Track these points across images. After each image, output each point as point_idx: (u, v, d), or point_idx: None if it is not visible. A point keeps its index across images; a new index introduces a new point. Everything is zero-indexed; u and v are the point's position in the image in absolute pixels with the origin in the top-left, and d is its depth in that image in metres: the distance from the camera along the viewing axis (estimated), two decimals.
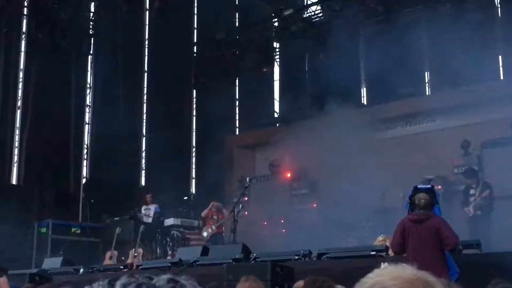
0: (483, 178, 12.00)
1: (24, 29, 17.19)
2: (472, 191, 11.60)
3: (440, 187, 12.22)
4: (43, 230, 15.57)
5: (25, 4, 17.03)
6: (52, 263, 12.72)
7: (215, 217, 14.35)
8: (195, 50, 20.42)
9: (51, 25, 16.47)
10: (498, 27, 15.53)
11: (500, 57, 15.90)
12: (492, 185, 12.02)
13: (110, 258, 13.45)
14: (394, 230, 7.59)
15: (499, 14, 15.94)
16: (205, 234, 14.32)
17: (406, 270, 1.36)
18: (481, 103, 14.36)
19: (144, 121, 19.50)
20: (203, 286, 0.93)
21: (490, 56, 14.79)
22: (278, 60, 20.09)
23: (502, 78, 15.79)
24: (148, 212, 14.72)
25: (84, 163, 18.11)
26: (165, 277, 0.87)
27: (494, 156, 13.10)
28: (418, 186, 7.71)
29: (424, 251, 6.94)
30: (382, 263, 5.95)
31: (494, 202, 11.62)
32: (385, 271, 1.37)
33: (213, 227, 14.19)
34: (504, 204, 12.23)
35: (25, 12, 17.14)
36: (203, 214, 14.56)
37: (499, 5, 16.10)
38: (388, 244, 8.71)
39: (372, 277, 1.38)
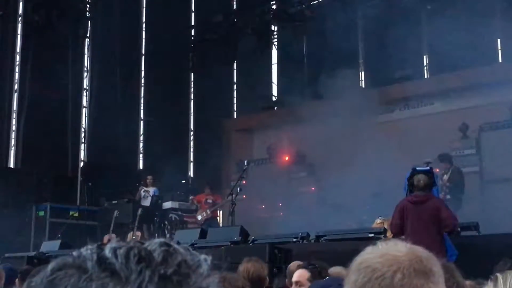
0: (455, 164, 12.04)
1: (20, 12, 17.09)
2: (444, 177, 11.67)
3: (438, 170, 12.21)
4: (41, 213, 15.59)
5: None
6: (50, 246, 12.74)
7: (209, 200, 14.40)
8: (192, 33, 20.34)
9: (48, 7, 16.38)
10: (497, 10, 15.45)
11: (498, 40, 15.84)
12: (490, 167, 12.06)
13: (108, 241, 13.40)
14: (393, 212, 7.60)
15: None
16: (199, 217, 14.42)
17: (396, 247, 1.35)
18: (480, 86, 14.34)
19: (142, 104, 19.46)
20: None
21: (488, 39, 14.76)
22: (276, 43, 20.01)
23: (500, 61, 15.74)
24: (147, 194, 14.75)
25: (82, 146, 18.09)
26: (158, 240, 0.85)
27: (493, 139, 13.12)
28: (417, 168, 7.70)
29: (423, 232, 6.95)
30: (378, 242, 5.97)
31: (463, 185, 11.65)
32: (375, 249, 1.37)
33: (208, 211, 14.24)
34: (502, 186, 12.28)
35: None
36: (196, 198, 14.71)
37: None
38: (386, 226, 8.73)
39: (362, 255, 1.37)
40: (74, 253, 0.86)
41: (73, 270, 0.83)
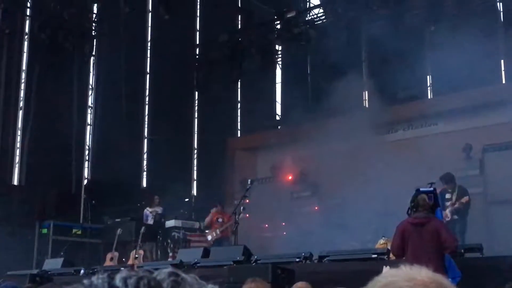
0: (458, 183, 11.99)
1: (27, 30, 17.23)
2: (447, 195, 11.59)
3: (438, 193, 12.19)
4: (44, 230, 15.58)
5: (28, 4, 17.06)
6: (52, 264, 12.73)
7: (220, 219, 14.05)
8: (197, 52, 20.44)
9: (54, 26, 16.50)
10: (501, 31, 15.52)
11: (502, 61, 15.88)
12: (494, 188, 12.03)
13: (111, 259, 13.44)
14: (394, 233, 7.59)
15: (502, 19, 15.94)
16: (209, 237, 14.07)
17: (422, 273, 1.34)
18: (483, 107, 14.36)
19: (146, 122, 19.51)
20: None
21: (492, 60, 14.79)
22: (280, 62, 20.09)
23: (504, 82, 15.77)
24: (154, 214, 14.76)
25: (86, 164, 18.12)
26: (166, 270, 0.87)
27: (496, 160, 13.09)
28: (420, 189, 7.70)
29: (424, 254, 6.92)
30: (384, 266, 5.95)
31: (470, 207, 11.61)
32: (400, 272, 1.35)
33: (217, 231, 13.93)
34: (506, 208, 12.23)
35: (28, 13, 17.17)
36: (206, 222, 14.37)
37: (501, 9, 16.10)
38: (389, 247, 8.70)
39: (386, 276, 1.36)
40: (86, 281, 0.88)
41: None
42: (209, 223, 14.16)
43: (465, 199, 11.44)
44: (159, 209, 14.79)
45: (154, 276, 0.87)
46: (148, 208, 14.89)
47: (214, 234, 13.91)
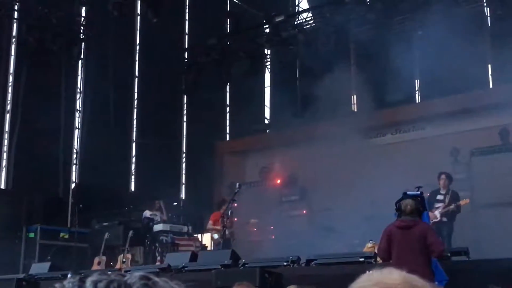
0: (452, 187, 12.05)
1: (14, 33, 17.15)
2: (440, 197, 11.63)
3: (429, 194, 12.23)
4: (31, 235, 15.47)
5: (16, 7, 16.97)
6: (39, 268, 12.63)
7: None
8: (186, 56, 20.43)
9: (42, 29, 16.43)
10: (488, 36, 15.63)
11: (489, 65, 15.99)
12: (481, 192, 12.09)
13: (99, 263, 13.37)
14: (380, 236, 7.60)
15: (489, 24, 16.05)
16: (216, 236, 13.24)
17: (392, 275, 1.35)
18: (470, 111, 14.45)
19: (135, 126, 19.46)
20: None
21: (479, 65, 14.88)
22: (269, 66, 20.12)
23: (491, 86, 15.87)
24: (156, 218, 14.77)
25: (74, 168, 18.04)
26: (137, 274, 0.87)
27: (483, 164, 13.16)
28: (408, 193, 7.72)
29: (410, 257, 6.93)
30: (367, 271, 5.97)
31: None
32: (371, 277, 1.37)
33: (227, 232, 12.89)
34: (493, 212, 12.30)
35: (15, 16, 17.09)
36: (209, 223, 13.72)
37: (488, 14, 16.21)
38: (376, 250, 8.72)
39: (358, 282, 1.37)
40: (57, 285, 0.87)
41: None
42: (215, 220, 13.35)
43: (465, 201, 11.46)
44: (159, 214, 14.83)
45: (125, 279, 0.86)
46: (147, 211, 14.90)
47: (215, 237, 13.14)
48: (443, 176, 11.70)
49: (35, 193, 16.16)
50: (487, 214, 12.42)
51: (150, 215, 14.85)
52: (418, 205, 7.30)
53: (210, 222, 13.70)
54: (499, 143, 13.30)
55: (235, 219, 13.56)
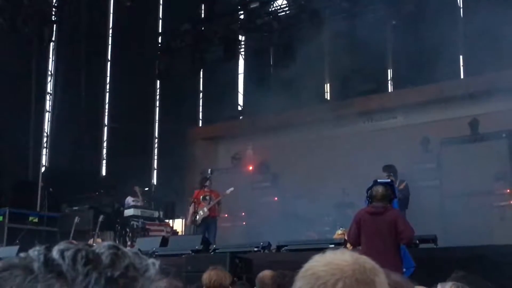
0: (415, 176, 12.03)
1: None
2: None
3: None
4: (0, 218, 15.30)
5: None
6: (7, 252, 12.48)
7: (207, 197, 12.99)
8: (159, 41, 20.27)
9: (13, 11, 16.15)
10: (460, 27, 15.77)
11: (461, 56, 16.15)
12: (450, 182, 12.24)
13: None
14: (351, 222, 7.67)
15: (461, 14, 16.19)
16: (197, 217, 12.79)
17: (343, 256, 1.37)
18: (442, 102, 14.58)
19: (107, 110, 19.30)
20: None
21: (451, 56, 15.03)
22: (243, 53, 20.07)
23: (462, 77, 16.05)
24: (137, 203, 14.74)
25: (44, 151, 17.84)
26: (106, 243, 0.86)
27: (453, 154, 13.30)
28: (378, 180, 7.78)
29: (379, 243, 7.00)
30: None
31: (409, 197, 11.36)
32: (322, 257, 1.39)
33: (205, 209, 12.78)
34: (462, 201, 12.46)
35: None
36: (192, 200, 13.16)
37: (461, 5, 16.35)
38: (346, 237, 8.80)
39: (309, 262, 1.40)
40: (22, 254, 0.86)
41: (19, 271, 0.83)
42: (196, 197, 12.95)
43: (402, 185, 11.15)
44: (140, 199, 14.85)
45: (93, 249, 0.86)
46: (129, 197, 14.90)
47: (201, 213, 12.77)
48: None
49: (3, 176, 15.97)
50: (455, 203, 12.58)
51: (133, 201, 14.78)
52: (388, 192, 7.37)
53: (195, 199, 13.27)
54: (469, 133, 13.46)
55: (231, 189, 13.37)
